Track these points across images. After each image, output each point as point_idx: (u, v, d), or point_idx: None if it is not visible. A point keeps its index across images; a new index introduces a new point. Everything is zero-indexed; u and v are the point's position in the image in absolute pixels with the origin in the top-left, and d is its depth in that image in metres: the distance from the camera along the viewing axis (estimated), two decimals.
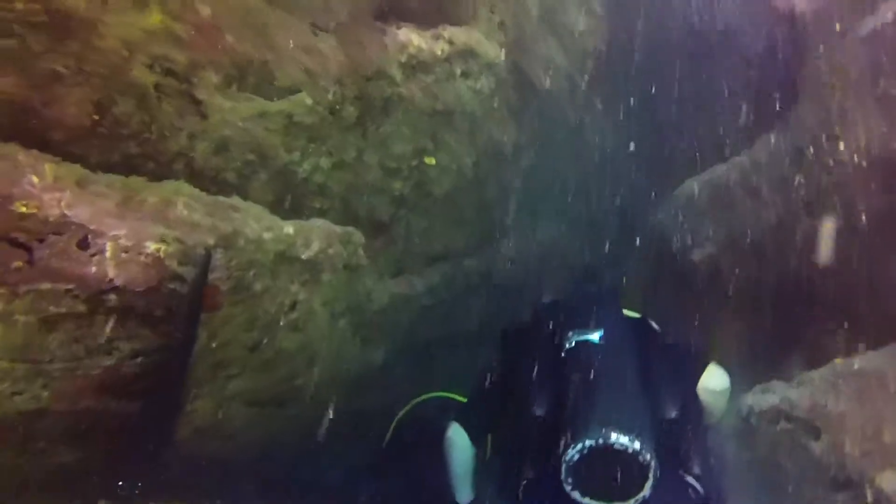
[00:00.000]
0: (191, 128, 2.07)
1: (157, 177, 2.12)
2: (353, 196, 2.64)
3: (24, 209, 1.71)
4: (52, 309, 1.86)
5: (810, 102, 2.44)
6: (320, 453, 3.17)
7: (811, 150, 2.46)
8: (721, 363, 2.52)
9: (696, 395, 2.29)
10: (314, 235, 2.45)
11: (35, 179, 1.74)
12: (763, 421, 2.76)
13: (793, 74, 2.56)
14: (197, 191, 2.20)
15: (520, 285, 3.94)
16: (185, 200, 2.13)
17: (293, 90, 2.14)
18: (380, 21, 2.21)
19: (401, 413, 3.35)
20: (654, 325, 2.44)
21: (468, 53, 2.38)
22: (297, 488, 2.91)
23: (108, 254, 1.87)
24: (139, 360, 2.09)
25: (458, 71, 2.41)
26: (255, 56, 2.01)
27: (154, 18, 1.76)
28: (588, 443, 1.68)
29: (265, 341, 2.55)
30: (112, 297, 1.90)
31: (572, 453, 1.70)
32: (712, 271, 3.15)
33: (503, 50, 2.56)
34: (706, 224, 3.11)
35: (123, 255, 1.91)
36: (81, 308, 1.89)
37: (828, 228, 2.57)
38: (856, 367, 2.61)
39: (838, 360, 2.70)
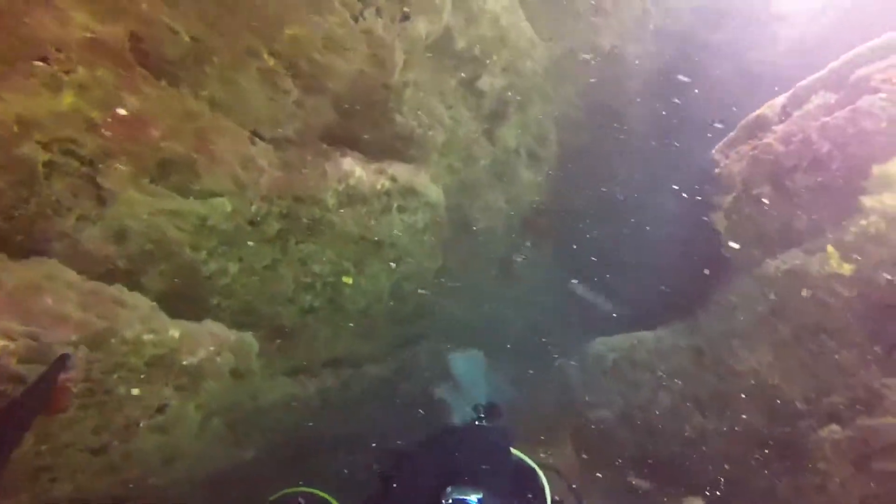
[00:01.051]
0: (84, 210, 1.84)
1: (24, 253, 1.85)
2: (258, 300, 2.45)
3: None
4: None
5: (719, 313, 2.56)
6: None
7: (710, 356, 2.56)
8: None
9: None
10: (202, 341, 2.22)
11: None
12: None
13: (710, 276, 2.70)
14: (74, 274, 1.95)
15: (423, 404, 3.82)
16: (56, 287, 1.86)
17: (215, 194, 1.98)
18: (328, 144, 2.11)
19: (272, 497, 3.06)
20: (543, 479, 2.40)
21: (409, 191, 2.33)
22: None
23: None
24: None
25: (395, 205, 2.34)
26: (180, 154, 1.84)
27: (65, 101, 1.57)
28: None
29: (115, 444, 2.24)
30: None
31: None
32: (606, 434, 3.17)
33: (446, 192, 2.53)
34: (608, 389, 3.15)
35: None
36: None
37: (710, 428, 2.65)
38: None
39: None
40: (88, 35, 1.52)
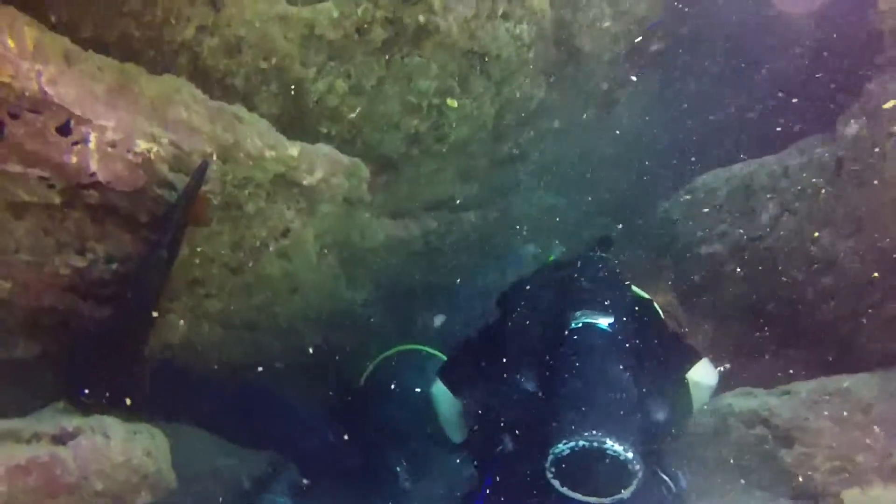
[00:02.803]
0: (201, 19, 1.85)
1: (158, 69, 1.91)
2: (366, 126, 2.46)
3: None
4: (22, 195, 1.69)
5: (865, 116, 2.29)
6: (289, 383, 3.11)
7: (852, 164, 2.33)
8: (712, 360, 2.51)
9: (684, 396, 2.26)
10: (319, 162, 2.28)
11: (10, 42, 1.52)
12: (740, 422, 2.74)
13: (851, 80, 2.39)
14: (199, 92, 2.00)
15: (521, 248, 3.84)
16: (186, 100, 1.93)
17: None
18: None
19: (378, 358, 3.30)
20: (660, 311, 2.37)
21: None
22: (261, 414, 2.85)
23: (91, 144, 1.69)
24: (114, 265, 1.96)
25: (500, 10, 2.19)
26: None
27: None
28: (582, 443, 1.64)
29: (249, 264, 2.42)
30: (92, 193, 1.73)
31: (563, 447, 1.67)
32: (717, 269, 3.06)
33: (551, 0, 2.34)
34: (720, 221, 3.00)
35: (109, 149, 1.73)
36: (55, 199, 1.72)
37: (845, 249, 2.48)
38: (844, 385, 2.58)
39: (826, 378, 2.67)
40: None
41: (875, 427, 2.43)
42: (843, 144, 2.37)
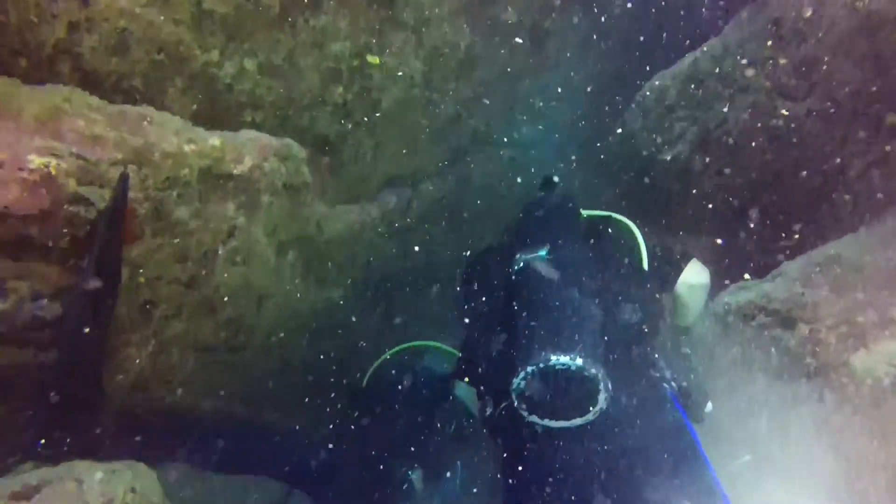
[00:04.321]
0: (70, 15, 1.70)
1: (38, 79, 1.75)
2: (290, 106, 2.32)
3: None
4: None
5: None
6: (279, 403, 2.95)
7: (789, 21, 2.25)
8: (700, 260, 2.44)
9: (661, 295, 2.21)
10: (246, 148, 2.13)
11: None
12: (739, 318, 2.66)
13: None
14: (95, 98, 1.85)
15: (485, 210, 3.72)
16: (79, 109, 1.78)
17: None
18: None
19: (381, 358, 3.18)
20: (625, 220, 2.31)
21: None
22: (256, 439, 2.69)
23: None
24: (43, 302, 1.79)
25: None
26: None
27: None
28: (530, 369, 1.59)
29: (203, 274, 2.26)
30: None
31: (517, 381, 1.63)
32: (685, 171, 2.98)
33: None
34: (676, 121, 2.91)
35: None
36: None
37: (805, 111, 2.40)
38: (831, 252, 2.51)
39: (812, 250, 2.61)
40: None
41: (870, 283, 2.35)
42: (774, 5, 2.29)
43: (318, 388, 3.30)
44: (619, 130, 3.12)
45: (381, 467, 2.71)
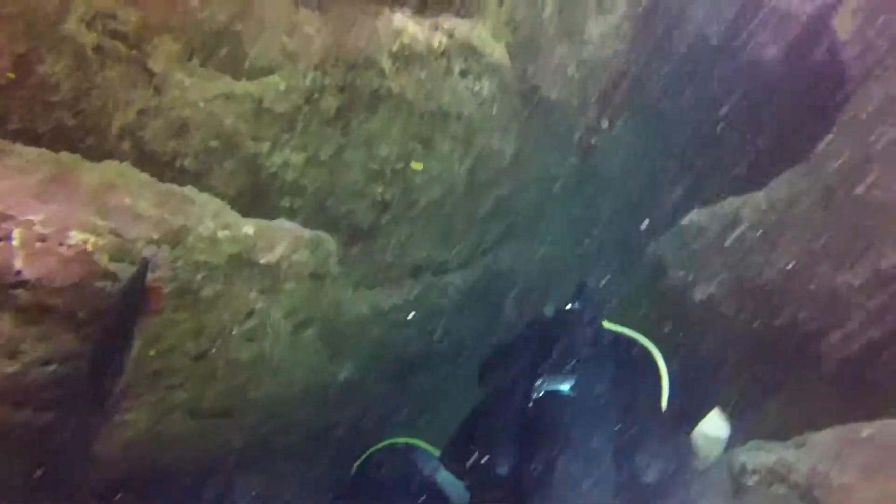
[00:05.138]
0: (142, 102, 1.79)
1: (98, 156, 1.84)
2: (329, 197, 2.37)
3: None
4: None
5: (846, 136, 2.20)
6: (276, 468, 2.91)
7: (842, 189, 2.21)
8: (724, 410, 2.36)
9: (686, 453, 2.13)
10: (278, 238, 2.17)
11: None
12: (755, 481, 2.51)
13: (825, 106, 2.32)
14: (146, 176, 1.92)
15: (512, 304, 3.70)
16: (129, 186, 1.85)
17: (266, 71, 1.86)
18: (373, 2, 1.93)
19: (369, 451, 3.14)
20: (650, 347, 2.26)
21: (469, 50, 2.11)
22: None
23: (15, 241, 1.58)
24: (52, 367, 1.81)
25: (457, 69, 2.14)
26: (224, 25, 1.73)
27: None
28: None
29: (213, 351, 2.27)
30: (20, 292, 1.61)
31: None
32: (714, 313, 2.89)
33: (510, 51, 2.29)
34: (712, 261, 2.86)
35: (38, 244, 1.62)
36: None
37: (849, 280, 2.33)
38: (864, 434, 2.36)
39: (844, 426, 2.46)
40: None
41: None
42: (828, 171, 2.26)
43: (314, 457, 3.26)
44: (650, 257, 3.07)
45: None
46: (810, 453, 2.40)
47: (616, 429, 1.92)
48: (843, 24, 2.07)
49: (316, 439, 3.15)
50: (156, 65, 1.70)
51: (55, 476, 1.92)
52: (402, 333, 3.31)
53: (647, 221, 3.06)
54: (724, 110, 2.82)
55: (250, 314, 2.29)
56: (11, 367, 1.68)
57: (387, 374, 3.44)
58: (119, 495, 2.26)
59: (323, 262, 2.43)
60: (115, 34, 1.61)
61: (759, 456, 2.53)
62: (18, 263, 1.55)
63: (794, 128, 2.51)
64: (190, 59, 1.74)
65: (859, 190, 2.12)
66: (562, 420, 1.87)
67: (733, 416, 2.59)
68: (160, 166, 1.98)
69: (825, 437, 2.42)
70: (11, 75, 1.49)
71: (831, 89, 2.22)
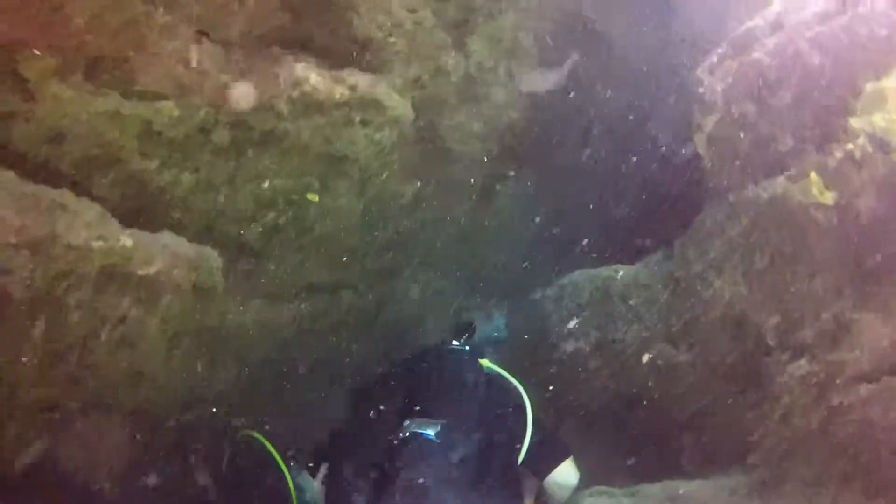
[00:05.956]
0: (11, 106, 1.76)
1: None
2: (220, 218, 2.40)
3: None
4: None
5: (696, 241, 2.48)
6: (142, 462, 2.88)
7: (684, 286, 2.49)
8: (575, 460, 2.57)
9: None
10: (158, 252, 2.18)
11: None
12: None
13: (688, 205, 2.60)
14: (11, 174, 1.88)
15: (403, 331, 3.81)
16: None
17: (159, 96, 1.88)
18: (279, 48, 1.99)
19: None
20: (522, 392, 2.42)
21: (371, 103, 2.20)
22: None
23: None
24: None
25: (357, 118, 2.23)
26: (115, 51, 1.73)
27: None
28: None
29: (76, 356, 2.25)
30: None
31: None
32: (580, 365, 3.15)
33: (415, 106, 2.41)
34: (583, 320, 3.11)
35: None
36: None
37: (684, 360, 2.62)
38: (681, 491, 2.68)
39: (671, 481, 2.76)
40: None
41: None
42: (677, 264, 2.54)
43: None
44: (534, 305, 3.29)
45: None
46: (640, 503, 2.69)
47: (469, 480, 2.02)
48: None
49: (183, 437, 3.12)
50: (28, 73, 1.68)
51: None
52: (283, 345, 3.35)
53: (530, 268, 3.27)
54: (614, 183, 3.07)
55: (122, 320, 2.28)
56: None
57: (261, 385, 3.46)
58: None
59: (208, 276, 2.45)
60: None
61: (599, 501, 2.79)
62: None
63: (668, 214, 2.78)
64: (71, 74, 1.74)
65: (695, 290, 2.40)
66: (419, 465, 1.94)
67: (582, 465, 2.82)
68: (31, 167, 1.94)
69: (653, 490, 2.72)
70: None
71: (693, 193, 2.49)
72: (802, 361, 2.20)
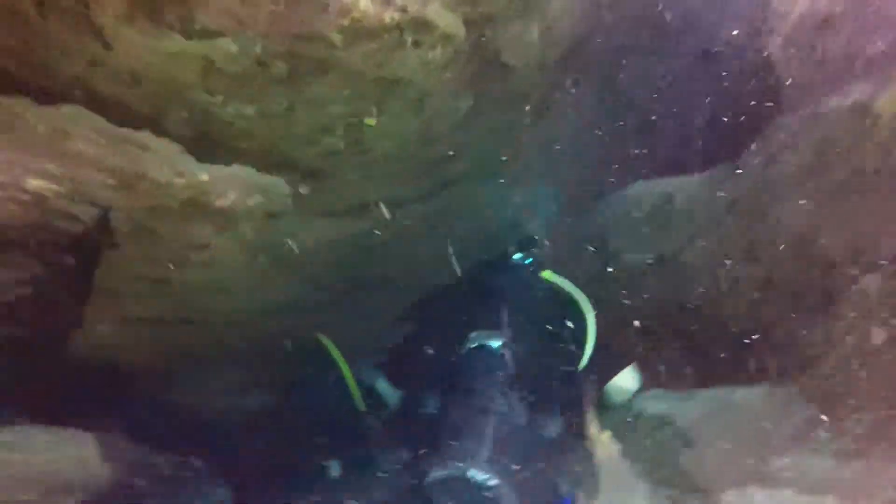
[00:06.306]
0: (90, 54, 1.87)
1: (50, 100, 1.94)
2: (282, 143, 2.50)
3: None
4: None
5: (760, 162, 2.36)
6: (222, 376, 3.29)
7: (745, 206, 2.42)
8: (637, 366, 2.68)
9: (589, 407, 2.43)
10: (232, 184, 2.34)
11: None
12: (648, 425, 2.95)
13: (756, 115, 2.44)
14: (102, 120, 2.04)
15: (464, 244, 3.91)
16: (84, 132, 1.98)
17: (217, 34, 1.92)
18: None
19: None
20: (584, 304, 2.48)
21: (422, 24, 2.14)
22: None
23: None
24: (24, 289, 2.06)
25: (409, 40, 2.18)
26: None
27: None
28: (448, 473, 1.81)
29: (171, 277, 2.53)
30: None
31: (434, 476, 1.83)
32: (639, 279, 3.18)
33: (467, 22, 2.32)
34: (642, 233, 3.09)
35: None
36: None
37: (744, 276, 2.60)
38: (735, 397, 2.77)
39: (724, 387, 2.86)
40: None
41: (756, 435, 2.62)
42: (739, 183, 2.44)
43: (269, 358, 3.63)
44: (594, 216, 3.29)
45: (300, 456, 3.02)
46: (693, 408, 2.83)
47: (533, 387, 2.14)
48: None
49: (264, 345, 3.48)
50: (102, 20, 1.76)
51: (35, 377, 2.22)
52: (352, 256, 3.56)
53: (590, 180, 3.23)
54: (679, 90, 2.89)
55: (206, 245, 2.52)
56: None
57: (332, 293, 3.73)
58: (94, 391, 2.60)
59: (277, 202, 2.61)
60: None
61: (655, 404, 2.95)
62: None
63: (736, 125, 2.63)
64: (138, 18, 1.80)
65: (758, 207, 2.31)
66: (486, 376, 2.06)
67: (642, 370, 2.95)
68: (115, 110, 2.09)
69: (709, 395, 2.84)
70: None
71: (763, 101, 2.32)
72: (872, 278, 2.14)
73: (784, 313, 2.56)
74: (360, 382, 3.25)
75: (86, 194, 1.97)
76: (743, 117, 2.57)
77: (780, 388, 2.73)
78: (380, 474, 2.77)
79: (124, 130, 2.09)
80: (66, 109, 1.95)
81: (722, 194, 2.57)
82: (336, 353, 3.16)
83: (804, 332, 2.38)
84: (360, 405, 2.95)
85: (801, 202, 2.24)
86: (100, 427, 2.36)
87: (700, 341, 3.07)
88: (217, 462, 2.85)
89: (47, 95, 1.91)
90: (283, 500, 2.84)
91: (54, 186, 1.88)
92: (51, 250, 2.01)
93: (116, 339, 2.62)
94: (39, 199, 1.86)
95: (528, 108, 3.04)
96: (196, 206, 2.28)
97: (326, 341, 3.30)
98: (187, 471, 2.74)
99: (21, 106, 1.84)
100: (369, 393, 3.21)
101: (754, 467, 2.54)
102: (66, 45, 1.81)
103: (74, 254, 2.07)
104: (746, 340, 2.80)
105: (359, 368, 3.36)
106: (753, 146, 2.38)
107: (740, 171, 2.48)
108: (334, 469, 3.08)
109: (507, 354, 2.14)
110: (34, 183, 1.83)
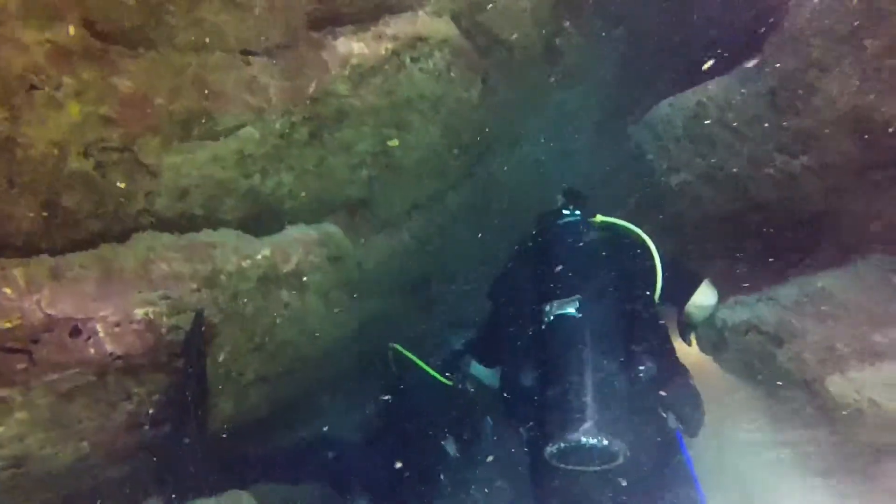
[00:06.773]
0: (146, 188, 2.02)
1: (125, 234, 2.12)
2: (323, 193, 2.62)
3: (7, 324, 1.77)
4: (66, 386, 2.02)
5: (789, 45, 2.27)
6: (330, 398, 3.54)
7: (785, 95, 2.34)
8: (712, 281, 2.70)
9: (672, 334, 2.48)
10: (291, 249, 2.49)
11: (8, 291, 1.78)
12: (735, 333, 2.99)
13: (772, 8, 2.33)
14: (167, 236, 2.21)
15: (514, 208, 3.95)
16: (160, 253, 2.15)
17: (239, 127, 2.03)
18: (315, 31, 1.99)
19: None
20: (643, 237, 2.51)
21: (415, 40, 2.17)
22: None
23: (101, 334, 1.97)
24: (156, 396, 2.31)
25: (407, 59, 2.22)
26: (192, 107, 1.88)
27: (73, 111, 1.63)
28: (563, 445, 1.94)
29: (266, 340, 2.74)
30: (118, 363, 2.04)
31: (551, 449, 1.96)
32: (691, 196, 3.16)
33: (454, 17, 2.31)
34: (683, 151, 3.05)
35: (116, 329, 2.01)
36: (92, 378, 2.05)
37: (800, 167, 2.57)
38: (819, 284, 2.77)
39: (803, 277, 2.86)
40: (48, 46, 1.50)
41: (851, 318, 2.63)
42: (774, 69, 2.36)
43: (364, 373, 3.88)
44: (631, 146, 3.26)
45: (417, 439, 3.20)
46: (777, 306, 2.84)
47: (618, 341, 2.19)
48: None
49: (355, 368, 3.70)
50: (146, 156, 1.90)
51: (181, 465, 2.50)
52: (416, 257, 3.69)
53: (615, 111, 3.17)
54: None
55: (286, 306, 2.70)
56: (130, 405, 2.18)
57: (410, 292, 3.89)
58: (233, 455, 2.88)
59: (337, 246, 2.75)
60: (105, 149, 1.80)
61: (738, 310, 2.98)
62: (109, 348, 1.96)
63: (755, 14, 2.52)
64: (172, 141, 1.93)
65: (801, 94, 2.24)
66: (573, 342, 2.09)
67: (716, 283, 2.97)
68: (176, 224, 2.25)
69: (789, 290, 2.84)
70: (45, 214, 1.75)
71: None
72: None
73: (849, 192, 2.50)
74: (456, 369, 3.40)
75: (180, 305, 2.16)
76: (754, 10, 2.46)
77: (864, 263, 2.72)
78: (491, 455, 2.92)
79: (189, 236, 2.25)
80: (141, 239, 2.12)
81: (753, 91, 2.47)
82: (409, 354, 3.33)
83: (878, 206, 2.34)
84: (447, 382, 3.09)
85: (842, 79, 2.14)
86: (243, 484, 2.65)
87: (767, 239, 3.04)
88: (351, 477, 3.07)
89: (123, 232, 2.08)
90: (413, 489, 2.99)
91: (156, 309, 2.07)
92: (167, 360, 2.23)
93: (237, 408, 2.88)
94: (148, 323, 2.06)
95: (536, 60, 2.98)
96: (268, 280, 2.45)
97: (399, 348, 3.48)
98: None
99: (107, 251, 2.02)
100: (465, 378, 3.35)
101: (855, 347, 2.56)
102: (127, 189, 1.96)
103: (184, 355, 2.28)
104: (815, 227, 2.77)
105: (447, 359, 3.49)
106: (778, 32, 2.26)
107: (766, 63, 2.38)
108: (450, 447, 3.23)
109: (585, 315, 2.17)
110: (139, 312, 2.03)
